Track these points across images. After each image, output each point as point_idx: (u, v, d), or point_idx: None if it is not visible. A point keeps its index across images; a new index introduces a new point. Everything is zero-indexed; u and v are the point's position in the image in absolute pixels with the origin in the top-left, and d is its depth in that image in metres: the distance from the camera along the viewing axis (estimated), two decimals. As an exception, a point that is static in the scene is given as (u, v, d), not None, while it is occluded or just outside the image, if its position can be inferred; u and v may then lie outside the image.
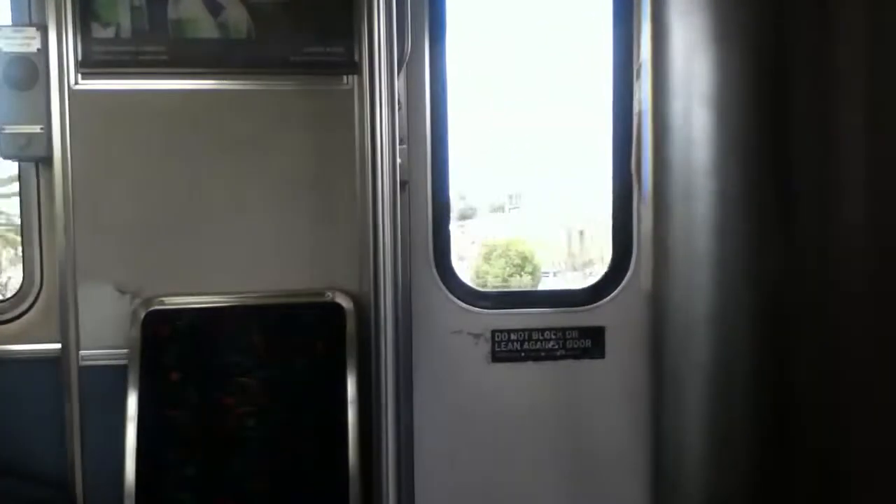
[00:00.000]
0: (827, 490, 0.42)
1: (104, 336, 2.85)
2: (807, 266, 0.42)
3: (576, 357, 3.13)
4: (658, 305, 0.47)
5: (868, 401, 0.41)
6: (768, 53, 0.43)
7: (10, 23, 2.86)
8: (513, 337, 3.10)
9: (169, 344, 2.82)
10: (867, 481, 0.41)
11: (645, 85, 0.47)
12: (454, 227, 3.17)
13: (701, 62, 0.43)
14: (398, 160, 2.55)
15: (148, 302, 2.84)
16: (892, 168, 0.38)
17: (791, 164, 0.42)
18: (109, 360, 2.83)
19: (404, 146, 2.84)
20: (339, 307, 2.88)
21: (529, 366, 3.11)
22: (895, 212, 0.39)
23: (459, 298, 3.09)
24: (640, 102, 1.54)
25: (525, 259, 6.17)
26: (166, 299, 2.85)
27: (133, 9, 2.80)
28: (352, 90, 2.88)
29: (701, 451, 0.46)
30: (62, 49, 2.77)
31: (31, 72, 2.76)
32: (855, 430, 0.41)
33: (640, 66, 1.55)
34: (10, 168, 3.00)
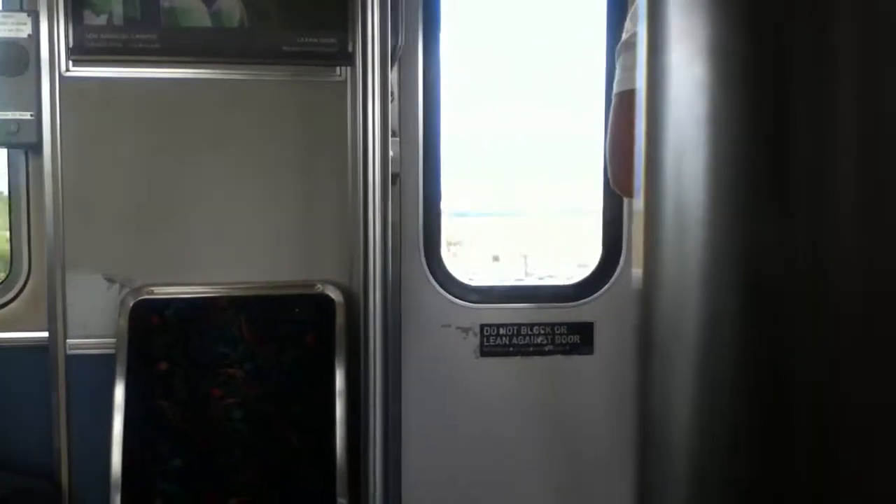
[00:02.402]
0: (817, 465, 0.42)
1: (92, 325, 2.83)
2: (799, 234, 0.42)
3: (564, 353, 3.13)
4: (648, 273, 0.47)
5: (861, 376, 0.41)
6: (763, 34, 0.43)
7: (0, 8, 2.84)
8: (501, 332, 3.11)
9: (157, 334, 2.81)
10: (859, 458, 0.41)
11: (641, 52, 0.47)
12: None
13: (699, 15, 0.43)
14: (390, 153, 2.55)
15: (137, 291, 2.83)
16: (888, 136, 0.38)
17: (788, 119, 0.42)
18: (97, 349, 2.82)
19: (396, 139, 2.85)
20: (328, 299, 2.88)
21: (518, 361, 3.11)
22: (891, 182, 0.39)
23: (449, 292, 3.09)
24: (618, 83, 1.55)
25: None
26: (155, 289, 2.84)
27: (126, -4, 2.79)
28: (345, 81, 2.88)
29: (688, 422, 0.46)
30: (53, 35, 2.75)
31: (21, 58, 2.74)
32: (848, 406, 0.41)
33: (621, 46, 1.56)
34: None
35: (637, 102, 0.46)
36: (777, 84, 0.41)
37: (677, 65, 0.43)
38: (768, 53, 0.40)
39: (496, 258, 3.90)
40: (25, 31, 2.74)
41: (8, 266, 2.94)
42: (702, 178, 0.42)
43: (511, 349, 3.11)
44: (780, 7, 0.40)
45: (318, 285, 2.90)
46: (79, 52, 2.78)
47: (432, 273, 3.07)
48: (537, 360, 3.12)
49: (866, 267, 0.41)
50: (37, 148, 2.80)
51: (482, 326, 3.09)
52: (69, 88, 2.78)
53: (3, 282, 2.93)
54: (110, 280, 2.85)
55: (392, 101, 2.65)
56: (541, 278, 3.89)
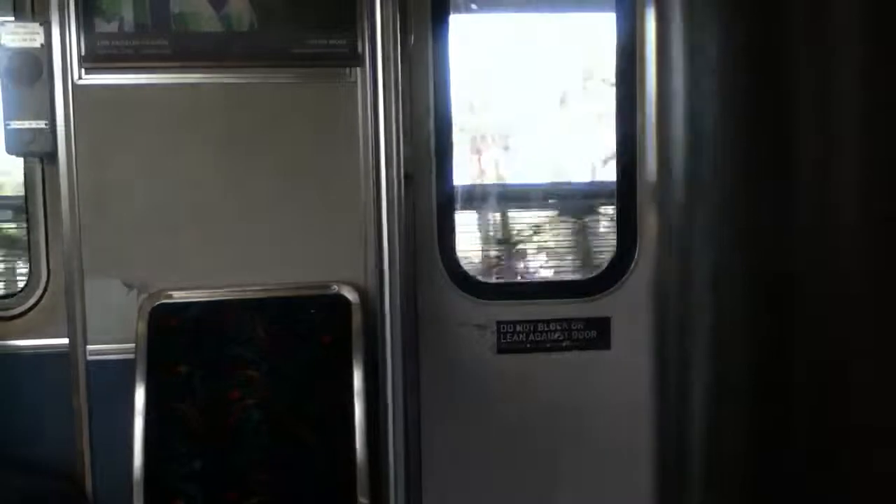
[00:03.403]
0: (822, 437, 0.42)
1: (111, 330, 2.86)
2: (802, 236, 0.42)
3: (581, 348, 3.13)
4: (663, 266, 0.47)
5: (861, 374, 0.41)
6: (769, 26, 0.43)
7: (12, 18, 2.87)
8: (518, 328, 3.11)
9: (176, 337, 2.83)
10: (864, 427, 0.42)
11: (649, 63, 0.47)
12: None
13: (705, 36, 0.44)
14: (402, 152, 2.56)
15: (154, 296, 2.85)
16: (886, 144, 0.38)
17: (790, 127, 0.42)
18: (117, 354, 2.84)
19: (408, 138, 2.85)
20: (344, 300, 2.89)
21: (535, 357, 3.11)
22: (890, 184, 0.39)
23: (464, 290, 3.09)
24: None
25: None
26: (173, 293, 2.86)
27: (136, 3, 2.80)
28: (355, 82, 2.88)
29: (703, 403, 0.47)
30: (65, 44, 2.77)
31: (34, 67, 2.77)
32: (848, 405, 0.41)
33: None
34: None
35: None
36: (779, 100, 0.41)
37: (686, 82, 0.44)
38: (771, 71, 0.41)
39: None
40: (38, 40, 2.76)
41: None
42: (709, 183, 0.42)
43: (528, 346, 3.11)
44: (782, 29, 0.41)
45: (334, 286, 2.91)
46: (91, 60, 2.79)
47: (447, 271, 3.07)
48: (554, 356, 3.12)
49: (865, 265, 0.41)
50: (52, 156, 2.82)
51: (498, 323, 3.09)
52: (82, 96, 2.80)
53: (22, 290, 2.96)
54: (128, 285, 2.87)
55: (403, 101, 2.65)
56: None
